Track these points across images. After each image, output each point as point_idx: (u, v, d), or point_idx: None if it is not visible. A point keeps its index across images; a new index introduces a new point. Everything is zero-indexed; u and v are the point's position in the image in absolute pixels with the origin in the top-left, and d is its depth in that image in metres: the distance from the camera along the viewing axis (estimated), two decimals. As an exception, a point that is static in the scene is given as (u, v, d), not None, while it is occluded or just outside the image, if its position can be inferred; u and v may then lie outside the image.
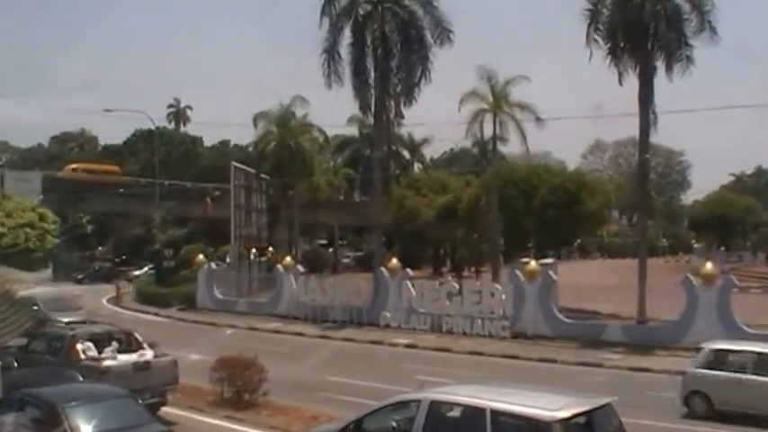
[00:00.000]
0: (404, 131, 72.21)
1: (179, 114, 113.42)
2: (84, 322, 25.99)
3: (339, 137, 76.79)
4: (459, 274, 51.61)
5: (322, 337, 34.96)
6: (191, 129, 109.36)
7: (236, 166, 49.64)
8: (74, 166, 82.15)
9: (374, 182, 43.38)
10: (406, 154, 79.11)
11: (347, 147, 76.61)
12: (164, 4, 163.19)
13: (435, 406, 12.10)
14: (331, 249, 79.14)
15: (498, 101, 39.69)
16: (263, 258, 52.90)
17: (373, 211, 43.77)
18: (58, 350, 20.30)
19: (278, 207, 59.49)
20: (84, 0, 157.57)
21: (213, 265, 45.99)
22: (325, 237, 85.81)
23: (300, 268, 41.01)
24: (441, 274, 56.59)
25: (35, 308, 30.51)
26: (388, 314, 36.05)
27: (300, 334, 35.65)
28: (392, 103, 40.77)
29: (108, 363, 19.15)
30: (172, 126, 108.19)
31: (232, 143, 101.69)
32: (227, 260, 49.05)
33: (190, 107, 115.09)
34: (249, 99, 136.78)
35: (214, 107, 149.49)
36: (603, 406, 11.79)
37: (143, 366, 19.36)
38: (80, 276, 68.32)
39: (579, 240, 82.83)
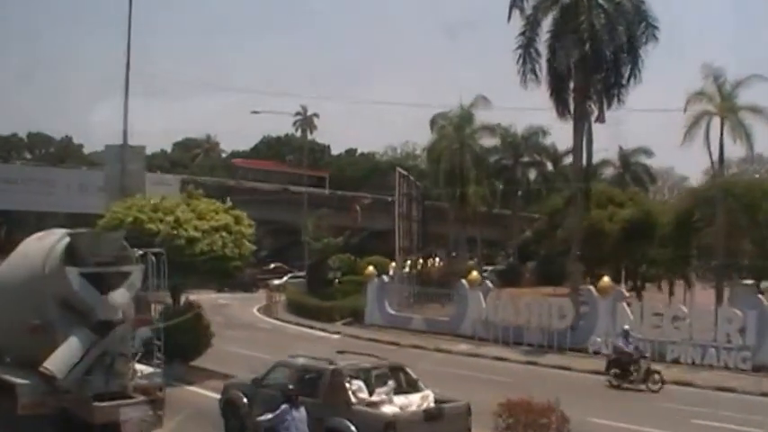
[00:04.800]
0: (548, 141, 68.88)
1: (306, 122, 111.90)
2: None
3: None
4: (638, 292, 47.32)
5: (528, 362, 31.32)
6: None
7: (400, 174, 46.72)
8: None
9: (573, 192, 39.89)
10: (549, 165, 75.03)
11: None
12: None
13: None
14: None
15: (726, 103, 35.52)
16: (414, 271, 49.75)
17: (572, 223, 40.23)
18: (313, 388, 15.62)
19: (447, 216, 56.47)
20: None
21: (385, 278, 42.72)
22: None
23: (489, 284, 37.42)
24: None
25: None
26: (598, 339, 32.04)
27: (501, 358, 32.11)
28: (592, 105, 36.96)
29: (391, 409, 14.89)
30: (298, 134, 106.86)
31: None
32: (390, 272, 45.95)
33: (317, 115, 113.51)
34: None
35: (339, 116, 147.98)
36: None
37: (435, 414, 15.13)
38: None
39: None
